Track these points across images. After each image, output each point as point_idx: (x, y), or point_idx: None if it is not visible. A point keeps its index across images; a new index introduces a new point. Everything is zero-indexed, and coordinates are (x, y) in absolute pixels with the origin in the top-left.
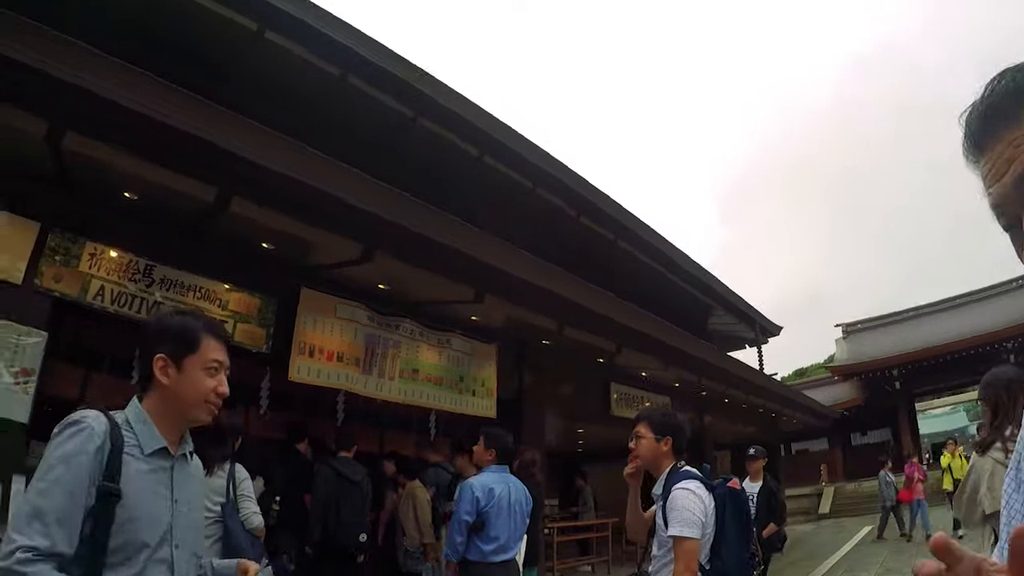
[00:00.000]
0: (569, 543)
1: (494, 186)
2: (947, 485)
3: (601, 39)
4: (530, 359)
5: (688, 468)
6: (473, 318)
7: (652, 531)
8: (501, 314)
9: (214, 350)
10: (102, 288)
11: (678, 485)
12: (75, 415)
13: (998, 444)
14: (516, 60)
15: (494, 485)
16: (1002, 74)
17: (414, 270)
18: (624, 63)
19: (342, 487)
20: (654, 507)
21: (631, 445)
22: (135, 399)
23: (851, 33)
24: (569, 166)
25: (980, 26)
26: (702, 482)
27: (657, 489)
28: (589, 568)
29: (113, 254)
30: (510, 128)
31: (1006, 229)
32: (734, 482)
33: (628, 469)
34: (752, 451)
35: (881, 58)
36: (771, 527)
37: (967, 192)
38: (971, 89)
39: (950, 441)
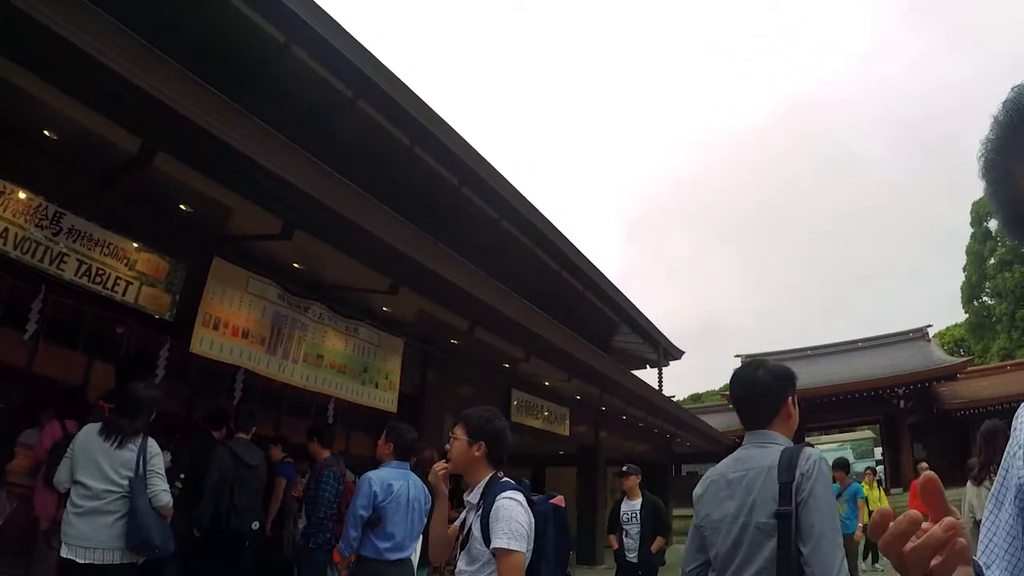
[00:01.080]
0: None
1: (422, 178)
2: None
3: (598, 41)
4: (436, 357)
5: (508, 479)
6: (385, 309)
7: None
8: (413, 308)
9: None
10: (6, 230)
11: (504, 495)
12: None
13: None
14: (517, 59)
15: (393, 480)
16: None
17: (332, 252)
18: (579, 80)
19: (239, 470)
20: (456, 522)
21: (447, 447)
22: None
23: (785, 82)
24: (494, 166)
25: (901, 96)
26: (524, 495)
27: (472, 497)
28: None
29: (22, 195)
30: (443, 121)
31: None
32: (558, 499)
33: (436, 469)
34: (624, 468)
35: (802, 112)
36: (659, 541)
37: (865, 249)
38: (882, 154)
39: (868, 470)
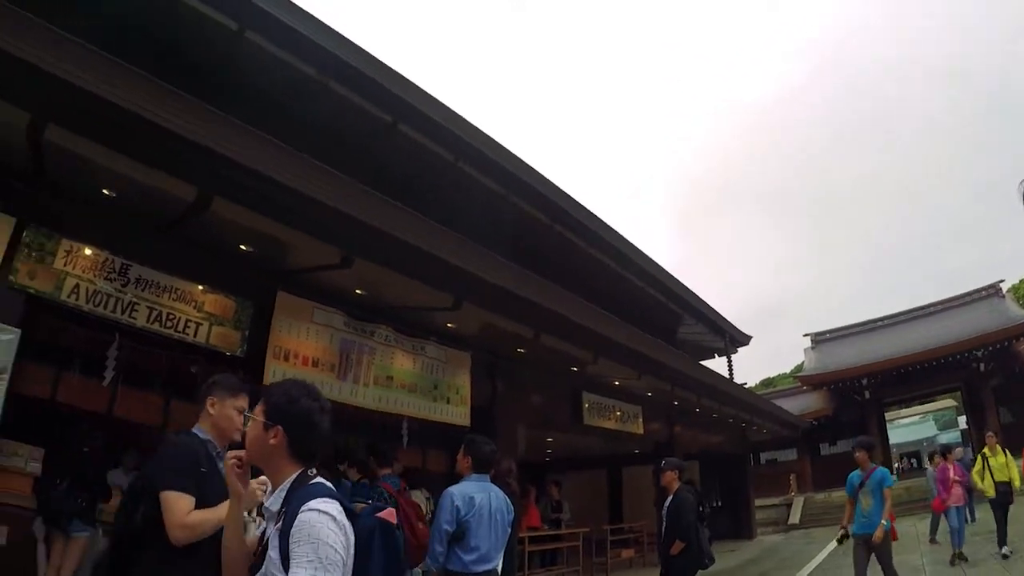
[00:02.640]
0: (536, 553)
1: (471, 193)
2: (986, 487)
3: (592, 42)
4: (504, 367)
5: (321, 481)
6: (449, 325)
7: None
8: (478, 321)
9: None
10: (77, 286)
11: (309, 505)
12: None
13: None
14: (513, 59)
15: (474, 494)
16: None
17: (392, 275)
18: (606, 68)
19: None
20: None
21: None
22: None
23: (814, 34)
24: (543, 174)
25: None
26: (342, 504)
27: (272, 503)
28: None
29: (88, 252)
30: (487, 136)
31: None
32: (388, 513)
33: (229, 460)
34: (662, 463)
35: (838, 67)
36: (676, 544)
37: (932, 209)
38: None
39: (989, 434)
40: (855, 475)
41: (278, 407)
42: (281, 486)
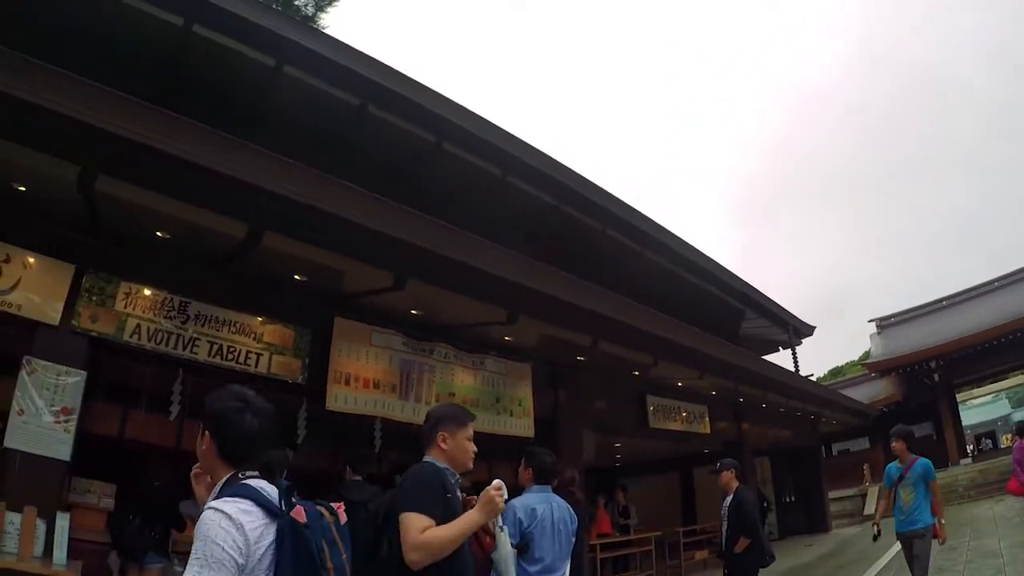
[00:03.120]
0: (608, 560)
1: (517, 204)
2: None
3: (600, 41)
4: (565, 376)
5: (247, 483)
6: (507, 338)
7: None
8: (535, 333)
9: None
10: (138, 326)
11: (211, 504)
12: None
13: None
14: (518, 59)
15: (536, 505)
16: None
17: (446, 294)
18: (620, 64)
19: (348, 510)
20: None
21: None
22: None
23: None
24: (591, 180)
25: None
26: (261, 504)
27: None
28: None
29: (147, 292)
30: (529, 145)
31: None
32: (297, 511)
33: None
34: (718, 465)
35: (882, 50)
36: (742, 541)
37: (977, 187)
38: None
39: None
40: (893, 467)
41: (206, 413)
42: (214, 490)
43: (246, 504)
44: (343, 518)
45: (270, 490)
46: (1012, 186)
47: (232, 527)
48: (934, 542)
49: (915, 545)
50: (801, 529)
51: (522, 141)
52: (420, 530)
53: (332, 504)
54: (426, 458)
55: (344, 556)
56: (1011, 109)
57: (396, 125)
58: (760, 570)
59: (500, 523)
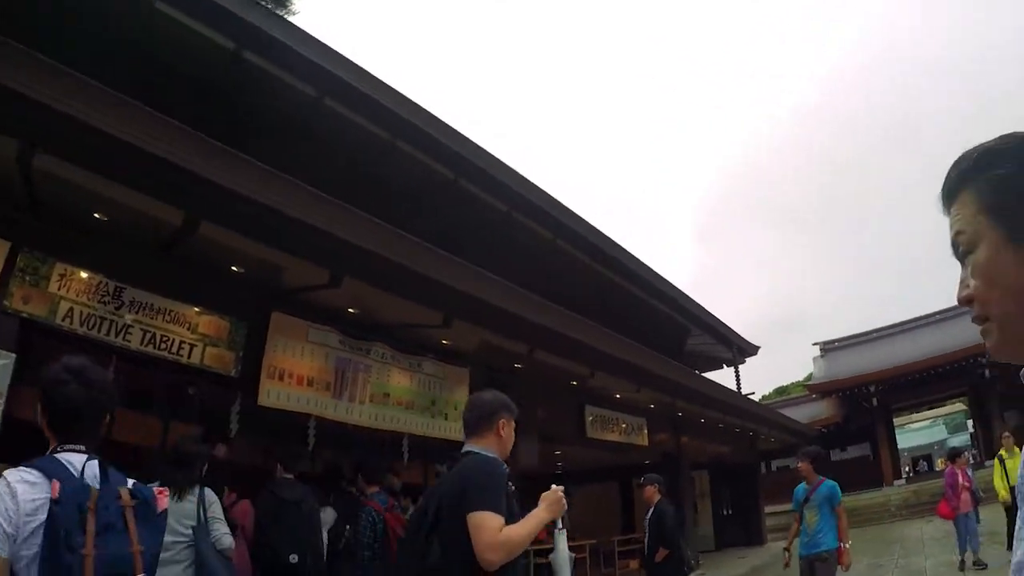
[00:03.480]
0: (544, 565)
1: (470, 210)
2: (1000, 490)
3: (574, 43)
4: (503, 382)
5: (60, 455)
6: (444, 342)
7: None
8: (474, 338)
9: None
10: (71, 310)
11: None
12: None
13: None
14: (494, 59)
15: None
16: (948, 172)
17: (383, 294)
18: (595, 69)
19: (280, 508)
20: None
21: None
22: None
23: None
24: (544, 189)
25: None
26: (55, 477)
27: None
28: None
29: (83, 275)
30: (486, 152)
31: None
32: (53, 486)
33: None
34: (642, 479)
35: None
36: (661, 552)
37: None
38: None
39: (1006, 434)
40: (800, 488)
41: (38, 385)
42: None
43: (34, 475)
44: (161, 504)
45: (78, 465)
46: None
47: (8, 495)
48: (839, 568)
49: (817, 569)
50: (738, 542)
51: (473, 143)
52: (498, 529)
53: (154, 488)
54: (475, 448)
55: (139, 547)
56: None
57: (349, 118)
58: None
59: (559, 524)
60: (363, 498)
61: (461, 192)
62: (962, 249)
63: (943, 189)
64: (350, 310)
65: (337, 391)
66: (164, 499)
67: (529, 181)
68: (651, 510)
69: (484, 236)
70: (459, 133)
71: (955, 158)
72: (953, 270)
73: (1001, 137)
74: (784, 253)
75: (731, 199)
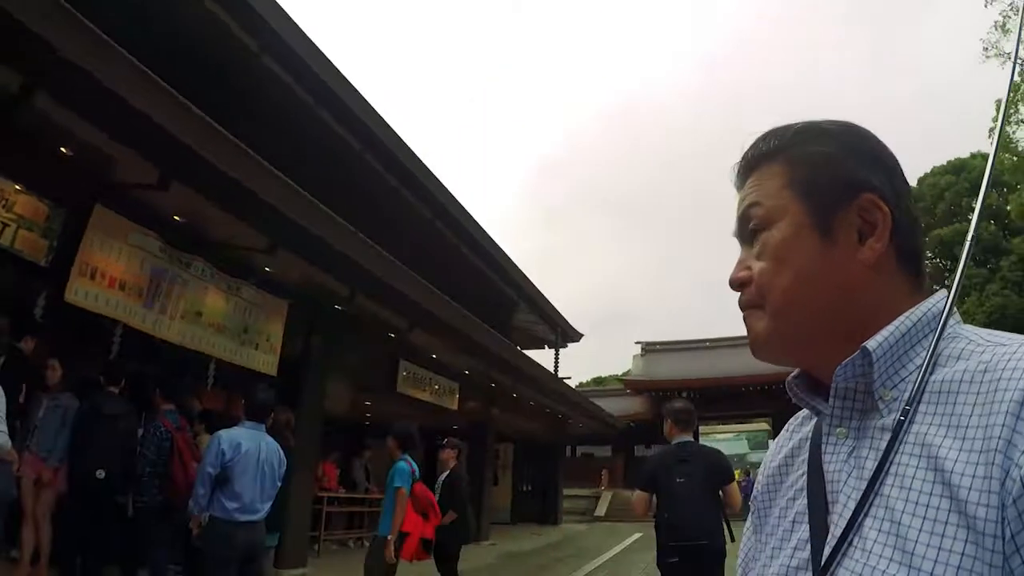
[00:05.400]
0: (340, 515)
1: (319, 144)
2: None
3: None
4: (321, 322)
5: None
6: (267, 269)
7: None
8: (296, 270)
9: None
10: None
11: None
12: None
13: None
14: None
15: (243, 440)
16: (755, 142)
17: (212, 207)
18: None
19: (94, 422)
20: None
21: None
22: None
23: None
24: (400, 135)
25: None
26: None
27: None
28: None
29: None
30: (345, 79)
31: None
32: None
33: None
34: (444, 441)
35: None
36: (449, 514)
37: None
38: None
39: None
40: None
41: None
42: None
43: None
44: None
45: None
46: None
47: None
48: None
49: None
50: (533, 518)
51: (334, 69)
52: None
53: None
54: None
55: None
56: None
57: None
58: (463, 546)
59: None
60: (155, 414)
61: (318, 123)
62: (753, 224)
63: (743, 160)
64: (176, 217)
65: (149, 299)
66: None
67: (381, 117)
68: (445, 474)
69: (330, 172)
70: (325, 57)
71: (763, 132)
72: None
73: (827, 119)
74: (623, 251)
75: (578, 189)
